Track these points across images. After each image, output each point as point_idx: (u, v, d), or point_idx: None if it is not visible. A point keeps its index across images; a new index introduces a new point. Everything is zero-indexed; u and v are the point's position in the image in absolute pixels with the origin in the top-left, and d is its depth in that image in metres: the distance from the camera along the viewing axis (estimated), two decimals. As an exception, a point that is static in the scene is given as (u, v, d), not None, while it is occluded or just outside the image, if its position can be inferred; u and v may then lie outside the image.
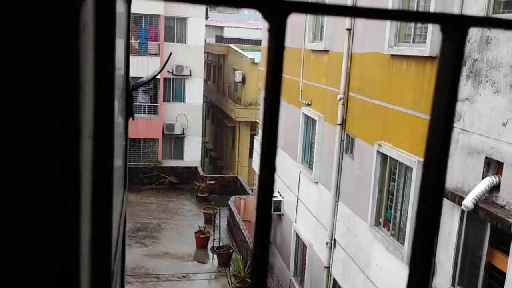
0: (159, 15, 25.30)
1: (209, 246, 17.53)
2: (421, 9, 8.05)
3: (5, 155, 0.50)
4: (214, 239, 17.27)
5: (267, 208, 0.43)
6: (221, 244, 17.12)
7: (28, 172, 0.52)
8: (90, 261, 0.72)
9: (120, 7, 1.36)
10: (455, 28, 0.43)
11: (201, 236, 17.48)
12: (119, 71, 1.43)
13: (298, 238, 13.20)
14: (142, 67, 24.57)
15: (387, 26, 8.67)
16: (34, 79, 0.49)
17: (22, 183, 0.52)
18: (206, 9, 27.30)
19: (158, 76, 24.92)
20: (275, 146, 0.44)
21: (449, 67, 0.43)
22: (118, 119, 1.42)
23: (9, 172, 0.51)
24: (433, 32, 7.35)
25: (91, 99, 0.64)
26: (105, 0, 0.70)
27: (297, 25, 13.34)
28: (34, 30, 0.47)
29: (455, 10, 6.86)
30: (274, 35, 0.40)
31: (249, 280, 0.46)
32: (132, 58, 26.27)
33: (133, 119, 1.84)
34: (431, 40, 7.39)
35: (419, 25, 8.14)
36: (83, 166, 0.59)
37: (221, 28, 35.48)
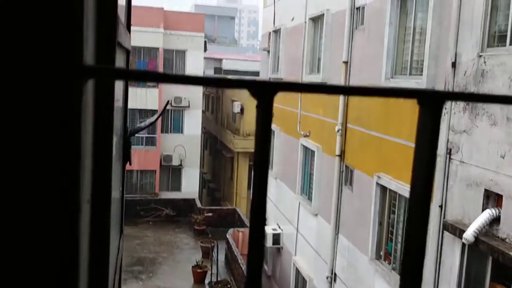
0: (158, 48, 25.62)
1: (206, 281, 17.24)
2: (416, 44, 8.17)
3: (8, 223, 0.51)
4: (211, 274, 17.00)
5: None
6: (219, 279, 16.85)
7: (28, 242, 0.52)
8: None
9: (121, 60, 1.38)
10: (431, 102, 0.46)
11: (198, 270, 17.21)
12: (117, 117, 1.43)
13: (297, 272, 13.01)
14: (140, 99, 24.73)
15: (384, 59, 8.77)
16: (36, 151, 0.50)
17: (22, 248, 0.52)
18: (205, 41, 27.68)
19: (157, 108, 25.05)
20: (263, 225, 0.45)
21: (426, 138, 0.46)
22: (117, 166, 1.42)
23: (11, 240, 0.51)
24: (429, 64, 7.44)
25: (90, 168, 0.65)
26: (105, 81, 0.72)
27: (295, 57, 13.51)
28: (41, 110, 0.50)
29: (450, 46, 6.95)
30: (262, 111, 0.44)
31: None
32: (130, 90, 26.52)
33: (130, 164, 1.83)
34: (428, 72, 7.47)
35: (415, 57, 8.25)
36: (81, 232, 0.58)
37: (220, 60, 35.92)
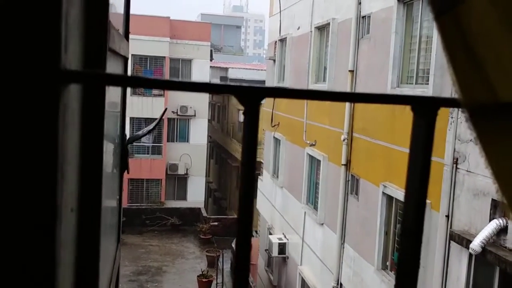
0: (164, 57, 25.76)
1: (212, 290, 17.17)
2: (422, 53, 8.15)
3: None
4: (217, 283, 16.93)
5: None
6: (228, 290, 16.78)
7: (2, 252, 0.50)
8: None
9: (117, 67, 1.37)
10: (425, 109, 0.46)
11: (204, 280, 17.14)
12: (114, 125, 1.42)
13: (303, 281, 12.92)
14: (146, 107, 24.83)
15: (390, 67, 8.75)
16: (10, 157, 0.48)
17: None
18: (211, 50, 27.80)
19: (163, 117, 25.12)
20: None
21: (421, 145, 0.45)
22: (113, 174, 1.40)
23: None
24: (435, 73, 7.41)
25: (74, 174, 0.64)
26: (93, 87, 0.72)
27: (301, 66, 13.52)
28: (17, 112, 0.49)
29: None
30: (249, 117, 0.44)
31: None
32: (137, 99, 26.55)
33: (128, 172, 1.82)
34: (434, 81, 7.44)
35: (421, 66, 8.23)
36: (64, 240, 0.56)
37: (226, 69, 36.06)
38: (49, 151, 0.49)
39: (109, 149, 1.22)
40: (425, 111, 0.46)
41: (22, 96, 0.46)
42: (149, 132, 2.57)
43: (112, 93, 1.26)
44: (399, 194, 8.33)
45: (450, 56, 0.45)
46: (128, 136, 2.02)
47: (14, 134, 0.48)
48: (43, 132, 0.48)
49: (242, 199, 0.44)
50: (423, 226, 0.46)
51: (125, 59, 1.65)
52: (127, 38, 1.72)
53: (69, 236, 0.63)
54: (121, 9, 1.80)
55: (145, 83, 0.45)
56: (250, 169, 0.44)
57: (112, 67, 1.19)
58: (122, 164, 1.71)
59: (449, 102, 0.48)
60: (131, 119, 23.57)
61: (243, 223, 0.44)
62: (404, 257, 0.47)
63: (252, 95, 0.44)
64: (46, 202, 0.50)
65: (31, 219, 0.50)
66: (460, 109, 0.49)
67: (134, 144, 25.35)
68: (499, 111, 0.43)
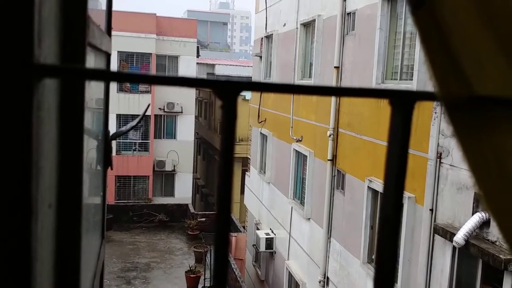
0: (151, 54, 25.61)
1: (200, 286, 17.18)
2: (407, 49, 8.22)
3: None
4: (205, 279, 16.94)
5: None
6: (212, 284, 16.79)
7: None
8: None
9: (99, 63, 1.37)
10: (402, 102, 0.46)
11: (192, 275, 17.14)
12: (98, 121, 1.43)
13: (290, 276, 12.99)
14: (133, 104, 24.68)
15: (375, 64, 8.82)
16: None
17: None
18: (198, 47, 27.69)
19: (149, 113, 25.02)
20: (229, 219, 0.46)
21: (398, 138, 0.46)
22: (96, 170, 1.41)
23: None
24: (420, 69, 7.49)
25: (53, 170, 0.64)
26: (72, 82, 0.72)
27: (287, 62, 13.55)
28: None
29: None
30: (226, 111, 0.44)
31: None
32: (123, 96, 26.32)
33: (111, 169, 1.83)
34: (418, 77, 7.51)
35: (406, 62, 8.30)
36: (41, 237, 0.58)
37: (212, 65, 35.95)
38: (22, 146, 0.50)
39: (91, 145, 1.23)
40: (402, 104, 0.47)
41: None
42: (132, 127, 2.57)
43: (94, 89, 1.27)
44: (384, 188, 8.41)
45: (427, 50, 0.45)
46: (111, 132, 2.03)
47: None
48: (15, 127, 0.49)
49: (221, 192, 0.45)
50: (400, 213, 0.48)
51: (107, 55, 1.66)
52: (109, 34, 1.72)
53: (47, 232, 0.64)
54: (103, 6, 1.80)
55: (123, 78, 0.46)
56: (228, 164, 0.46)
57: (93, 62, 1.20)
58: (106, 160, 1.71)
59: (426, 96, 0.48)
60: (118, 116, 23.41)
61: (222, 217, 0.45)
62: (382, 244, 0.48)
63: (228, 89, 0.43)
64: (20, 197, 0.51)
65: (4, 214, 0.51)
66: (437, 102, 0.50)
67: (121, 141, 25.19)
68: (474, 105, 0.43)
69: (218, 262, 0.45)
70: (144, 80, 0.47)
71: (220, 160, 0.46)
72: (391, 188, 0.47)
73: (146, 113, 24.85)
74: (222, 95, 0.44)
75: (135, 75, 0.47)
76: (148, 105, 4.33)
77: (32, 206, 0.52)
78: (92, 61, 1.14)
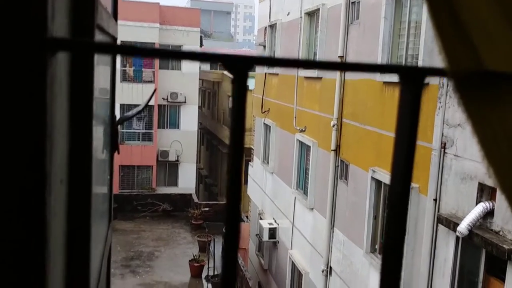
0: (154, 43, 25.54)
1: (203, 275, 17.29)
2: (411, 38, 8.17)
3: None
4: (208, 268, 17.04)
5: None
6: (215, 272, 16.90)
7: None
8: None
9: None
10: (412, 78, 0.45)
11: (196, 264, 17.25)
12: (105, 105, 1.43)
13: (293, 265, 13.05)
14: (137, 94, 24.68)
15: (379, 53, 8.77)
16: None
17: None
18: (201, 36, 27.61)
19: (153, 103, 25.02)
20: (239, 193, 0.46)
21: (407, 115, 0.45)
22: (103, 153, 1.42)
23: None
24: (424, 58, 7.45)
25: (64, 145, 0.65)
26: (81, 56, 0.72)
27: (291, 52, 13.49)
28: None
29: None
30: (237, 86, 0.44)
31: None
32: (127, 86, 26.35)
33: (118, 153, 1.84)
34: (423, 66, 7.46)
35: (410, 51, 8.26)
36: (53, 211, 0.58)
37: (216, 55, 35.87)
38: (38, 118, 0.50)
39: (99, 128, 1.23)
40: (411, 79, 0.46)
41: (9, 64, 0.47)
42: (138, 112, 2.58)
43: (101, 72, 1.27)
44: (388, 178, 8.39)
45: (437, 24, 0.44)
46: (118, 117, 2.04)
47: (1, 102, 0.49)
48: (31, 99, 0.49)
49: (231, 173, 0.44)
50: (409, 194, 0.47)
51: (114, 39, 1.66)
52: (115, 19, 1.72)
53: (60, 207, 0.64)
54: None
55: (133, 51, 0.46)
56: (239, 139, 0.45)
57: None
58: (112, 144, 1.72)
59: (435, 72, 0.47)
60: (121, 105, 23.42)
61: (233, 191, 0.44)
62: (390, 230, 0.48)
63: (240, 63, 0.43)
64: (36, 170, 0.51)
65: (21, 186, 0.51)
66: (446, 78, 0.49)
67: (125, 131, 25.24)
68: (483, 79, 0.43)
69: (228, 249, 0.45)
70: (156, 54, 0.47)
71: (230, 137, 0.46)
72: (401, 166, 0.48)
73: (150, 103, 24.89)
74: (233, 69, 0.44)
75: (148, 49, 0.47)
76: (155, 90, 4.34)
77: (46, 179, 0.52)
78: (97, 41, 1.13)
